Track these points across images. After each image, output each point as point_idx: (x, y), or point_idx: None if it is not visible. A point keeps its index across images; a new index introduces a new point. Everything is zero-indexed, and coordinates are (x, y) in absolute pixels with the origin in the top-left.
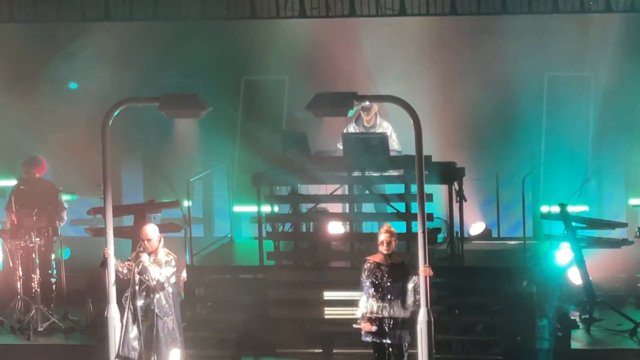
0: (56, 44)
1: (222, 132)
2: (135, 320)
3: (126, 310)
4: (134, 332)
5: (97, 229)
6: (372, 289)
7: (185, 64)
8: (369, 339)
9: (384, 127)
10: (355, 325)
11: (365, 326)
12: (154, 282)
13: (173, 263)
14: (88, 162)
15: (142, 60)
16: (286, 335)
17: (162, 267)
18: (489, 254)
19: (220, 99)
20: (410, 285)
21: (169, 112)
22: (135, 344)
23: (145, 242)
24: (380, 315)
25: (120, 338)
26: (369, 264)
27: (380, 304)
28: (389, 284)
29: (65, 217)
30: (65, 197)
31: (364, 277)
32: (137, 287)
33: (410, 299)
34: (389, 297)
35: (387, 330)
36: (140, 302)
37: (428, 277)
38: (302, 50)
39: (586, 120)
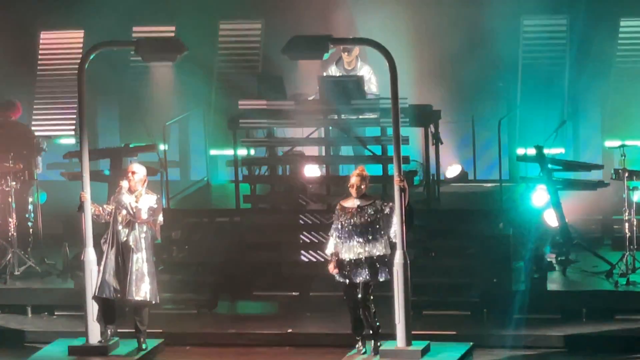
0: None
1: (198, 75)
2: (117, 259)
3: (107, 251)
4: (113, 272)
5: (73, 173)
6: (340, 232)
7: (160, 10)
8: (341, 279)
9: (365, 70)
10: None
11: (331, 267)
12: (133, 212)
13: (154, 199)
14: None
15: (117, 6)
16: (263, 279)
17: (142, 200)
18: (465, 196)
19: (197, 44)
20: (389, 222)
21: (146, 55)
22: (116, 284)
23: (130, 175)
24: (349, 258)
25: (99, 279)
26: (337, 208)
27: (349, 245)
28: (357, 225)
29: (41, 164)
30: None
31: (334, 220)
32: (120, 226)
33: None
34: (360, 239)
35: (356, 270)
36: (123, 239)
37: (404, 211)
38: None
39: (562, 63)
